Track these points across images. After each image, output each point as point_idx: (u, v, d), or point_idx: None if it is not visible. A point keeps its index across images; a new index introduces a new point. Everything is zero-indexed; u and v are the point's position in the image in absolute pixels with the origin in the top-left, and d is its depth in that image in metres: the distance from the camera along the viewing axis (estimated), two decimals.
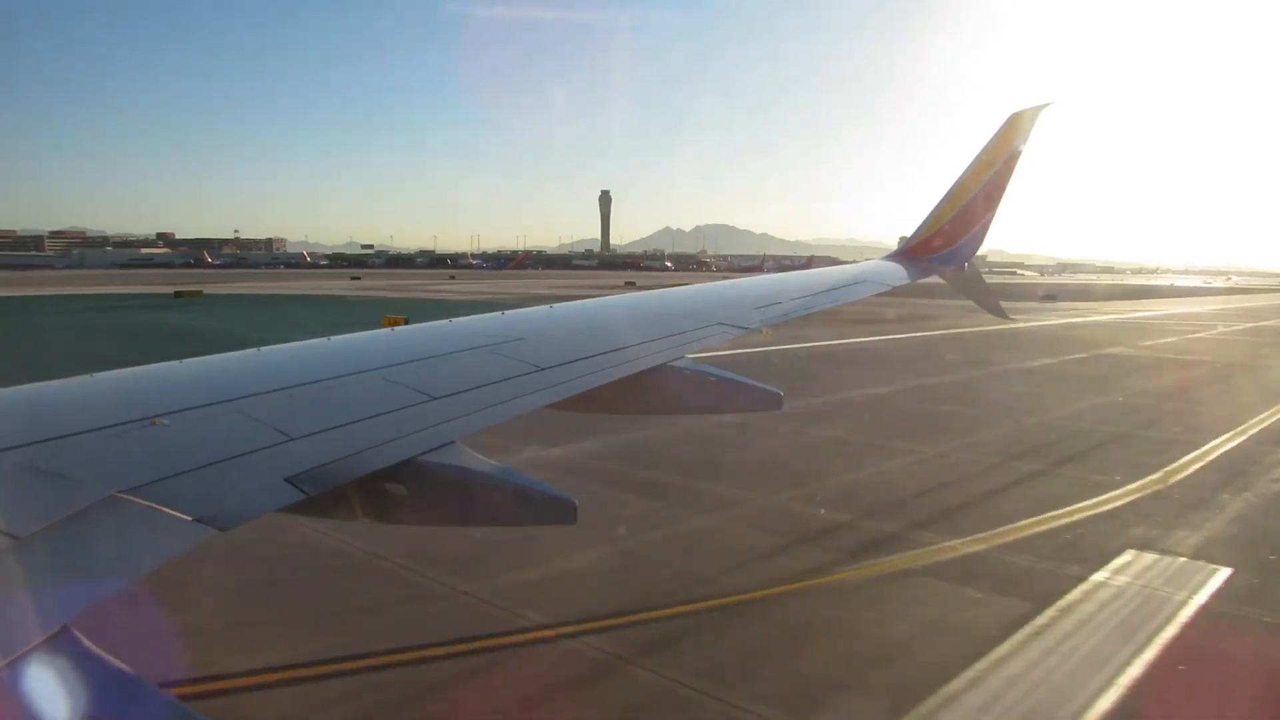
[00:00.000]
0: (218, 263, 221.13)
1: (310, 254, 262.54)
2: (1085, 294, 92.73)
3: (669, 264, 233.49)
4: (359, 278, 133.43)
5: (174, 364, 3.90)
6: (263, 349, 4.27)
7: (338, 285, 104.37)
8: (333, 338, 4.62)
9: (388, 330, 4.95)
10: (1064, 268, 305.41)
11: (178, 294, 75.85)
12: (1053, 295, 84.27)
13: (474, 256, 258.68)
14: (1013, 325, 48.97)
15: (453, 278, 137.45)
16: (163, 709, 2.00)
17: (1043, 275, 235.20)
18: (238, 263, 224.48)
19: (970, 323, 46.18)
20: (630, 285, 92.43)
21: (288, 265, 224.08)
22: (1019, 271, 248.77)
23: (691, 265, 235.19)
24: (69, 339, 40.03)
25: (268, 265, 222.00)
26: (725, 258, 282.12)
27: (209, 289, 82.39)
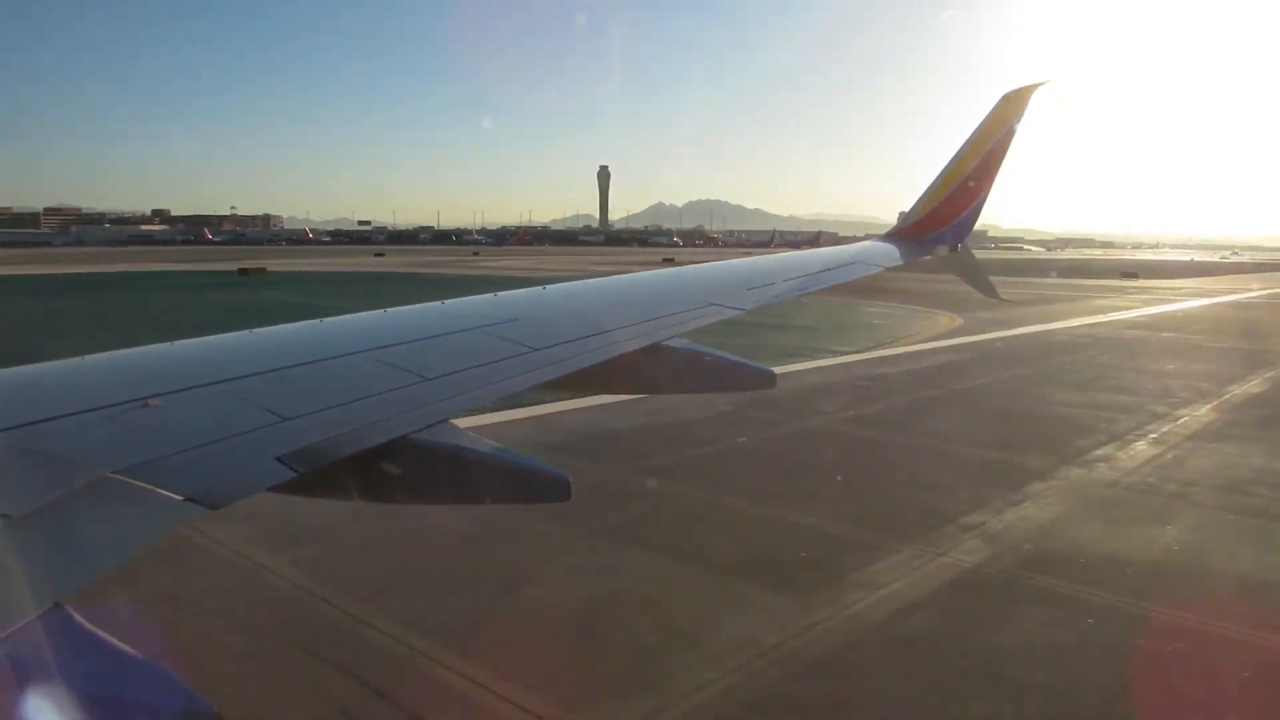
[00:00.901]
0: (218, 239, 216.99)
1: (312, 231, 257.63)
2: (1159, 271, 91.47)
3: (677, 240, 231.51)
4: (383, 254, 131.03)
5: (166, 345, 3.87)
6: (254, 330, 4.24)
7: (372, 262, 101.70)
8: (324, 319, 4.61)
9: (379, 312, 4.94)
10: (1066, 243, 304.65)
11: (241, 271, 73.98)
12: (1134, 273, 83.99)
13: (478, 232, 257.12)
14: (1170, 308, 47.26)
15: (476, 254, 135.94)
16: (158, 685, 2.00)
17: (1049, 250, 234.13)
18: (237, 239, 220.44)
19: (1136, 303, 44.78)
20: (669, 262, 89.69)
21: (289, 241, 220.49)
22: (1024, 247, 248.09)
23: (698, 241, 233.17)
24: (201, 316, 39.90)
25: (269, 241, 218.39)
26: (732, 233, 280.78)
27: (247, 265, 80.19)
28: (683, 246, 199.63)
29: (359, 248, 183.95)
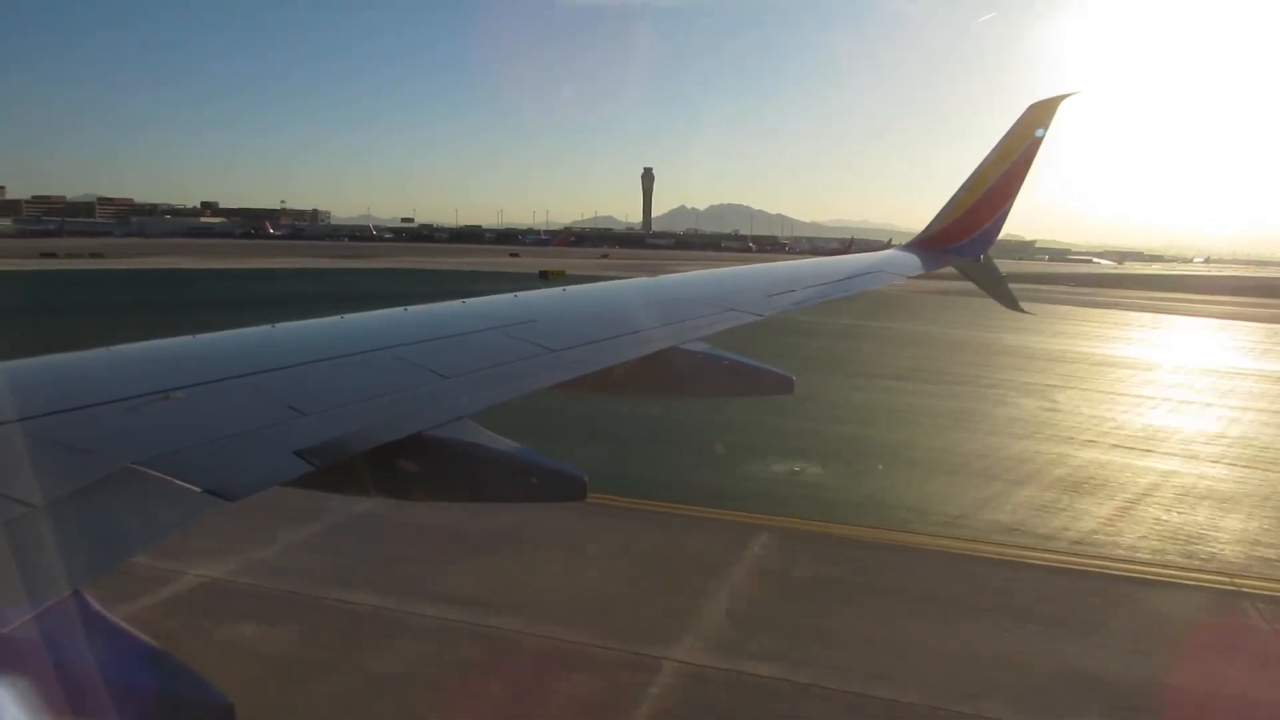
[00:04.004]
0: (279, 234, 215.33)
1: (376, 228, 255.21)
2: None
3: (751, 245, 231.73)
4: (518, 254, 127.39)
5: (189, 339, 3.89)
6: (276, 326, 4.24)
7: (519, 263, 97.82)
8: (345, 315, 4.64)
9: (400, 310, 4.90)
10: (1123, 256, 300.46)
11: (543, 274, 70.96)
12: None
13: (544, 233, 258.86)
14: None
15: (605, 256, 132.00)
16: (169, 671, 2.03)
17: (1120, 264, 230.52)
18: (297, 234, 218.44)
19: None
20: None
21: (353, 238, 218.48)
22: (1093, 260, 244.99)
23: (767, 247, 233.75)
24: None
25: (330, 237, 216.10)
26: (798, 239, 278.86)
27: (547, 268, 75.98)
28: (756, 251, 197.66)
29: (431, 245, 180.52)
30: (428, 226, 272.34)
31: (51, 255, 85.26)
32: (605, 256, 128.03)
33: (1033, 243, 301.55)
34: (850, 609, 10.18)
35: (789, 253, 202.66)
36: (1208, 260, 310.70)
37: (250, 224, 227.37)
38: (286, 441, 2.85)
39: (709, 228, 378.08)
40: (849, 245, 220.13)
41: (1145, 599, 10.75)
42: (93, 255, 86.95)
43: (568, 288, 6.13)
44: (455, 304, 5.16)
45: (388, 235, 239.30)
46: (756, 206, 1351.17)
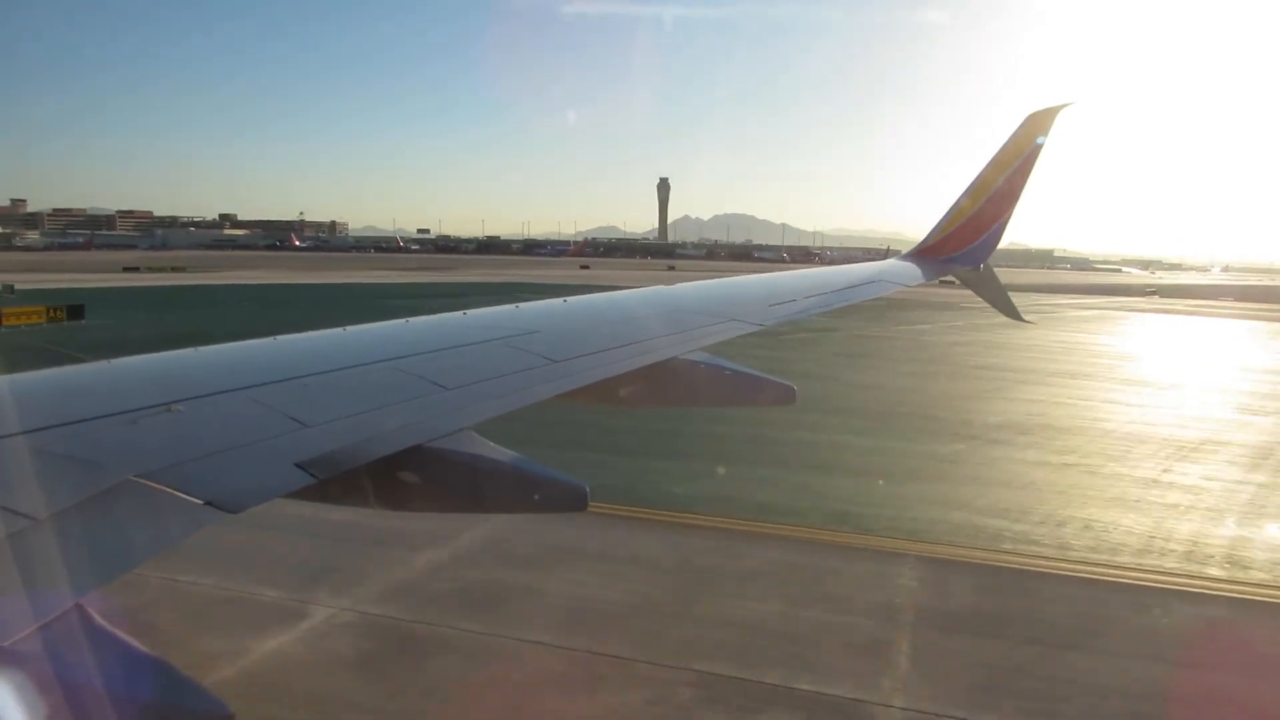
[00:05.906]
0: (304, 245, 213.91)
1: (402, 240, 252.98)
2: None
3: (784, 255, 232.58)
4: (588, 266, 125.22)
5: (192, 351, 3.87)
6: (278, 338, 4.20)
7: (608, 276, 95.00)
8: (347, 328, 4.58)
9: (401, 322, 4.87)
10: (1149, 264, 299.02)
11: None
12: None
13: (570, 243, 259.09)
14: None
15: (672, 268, 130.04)
16: (169, 683, 2.03)
17: (1152, 274, 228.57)
18: (321, 245, 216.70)
19: None
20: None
21: (378, 249, 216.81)
22: (1121, 269, 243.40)
23: (800, 257, 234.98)
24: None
25: (356, 249, 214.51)
26: (828, 250, 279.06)
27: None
28: (789, 261, 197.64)
29: (462, 257, 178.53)
30: (445, 238, 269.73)
31: (134, 269, 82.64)
32: (672, 269, 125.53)
33: (1051, 251, 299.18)
34: None
35: (819, 261, 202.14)
36: (1226, 269, 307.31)
37: (274, 235, 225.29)
38: (288, 453, 2.82)
39: (714, 237, 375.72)
40: (885, 254, 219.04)
41: None
42: (174, 269, 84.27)
43: (568, 298, 6.11)
44: (456, 315, 5.12)
45: (414, 247, 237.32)
46: (761, 216, 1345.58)
